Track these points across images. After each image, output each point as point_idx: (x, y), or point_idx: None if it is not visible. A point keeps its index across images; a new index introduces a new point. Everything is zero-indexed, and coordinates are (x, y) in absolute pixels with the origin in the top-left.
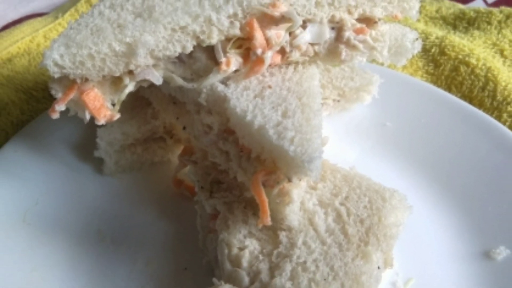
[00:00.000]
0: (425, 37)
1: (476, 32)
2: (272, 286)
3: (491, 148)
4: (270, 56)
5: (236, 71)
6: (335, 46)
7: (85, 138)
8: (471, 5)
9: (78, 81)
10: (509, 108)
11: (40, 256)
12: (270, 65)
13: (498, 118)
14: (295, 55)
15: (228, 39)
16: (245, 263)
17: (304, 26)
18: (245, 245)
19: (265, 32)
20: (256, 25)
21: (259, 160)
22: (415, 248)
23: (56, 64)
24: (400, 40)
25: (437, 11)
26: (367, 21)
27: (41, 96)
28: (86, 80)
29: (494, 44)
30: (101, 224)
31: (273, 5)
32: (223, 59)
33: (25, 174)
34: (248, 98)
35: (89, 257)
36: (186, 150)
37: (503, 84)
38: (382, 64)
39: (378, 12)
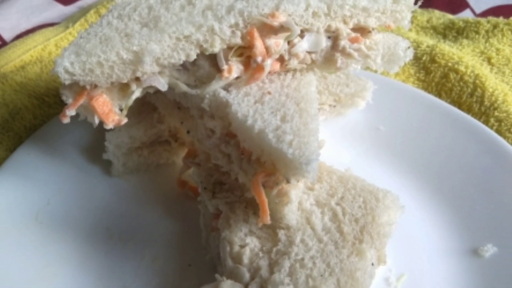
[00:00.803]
0: (416, 45)
1: (465, 41)
2: (272, 282)
3: (479, 151)
4: (270, 64)
5: (237, 78)
6: (331, 54)
7: (94, 142)
8: (460, 15)
9: (88, 87)
10: (496, 113)
11: (52, 252)
12: (269, 72)
13: (486, 122)
14: (293, 63)
15: (229, 48)
16: (246, 260)
17: (301, 35)
18: (246, 243)
19: (265, 41)
20: (256, 34)
21: (259, 162)
22: (407, 245)
23: (67, 71)
24: (392, 48)
25: (428, 21)
26: (362, 30)
27: (52, 102)
28: (95, 86)
29: (482, 53)
30: (110, 222)
31: (273, 16)
32: (225, 67)
33: (37, 175)
34: (249, 103)
35: (98, 253)
36: (190, 152)
37: (491, 90)
38: (375, 71)
39: (372, 22)
